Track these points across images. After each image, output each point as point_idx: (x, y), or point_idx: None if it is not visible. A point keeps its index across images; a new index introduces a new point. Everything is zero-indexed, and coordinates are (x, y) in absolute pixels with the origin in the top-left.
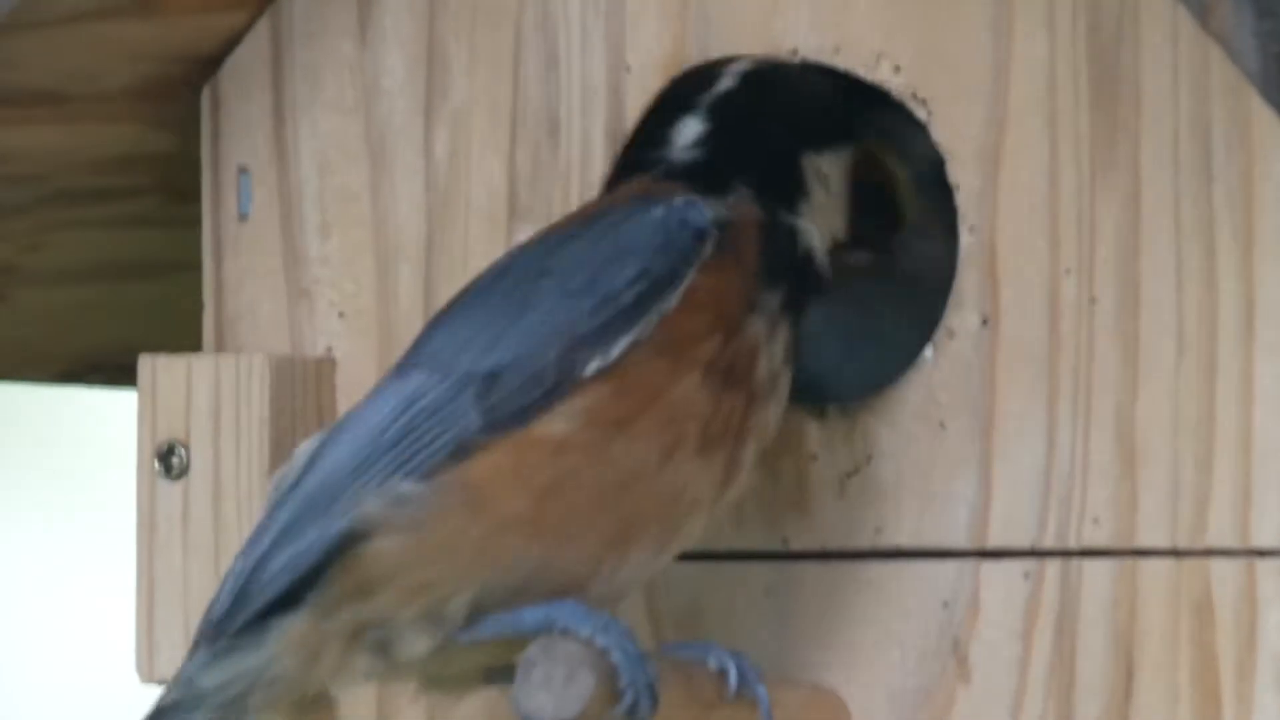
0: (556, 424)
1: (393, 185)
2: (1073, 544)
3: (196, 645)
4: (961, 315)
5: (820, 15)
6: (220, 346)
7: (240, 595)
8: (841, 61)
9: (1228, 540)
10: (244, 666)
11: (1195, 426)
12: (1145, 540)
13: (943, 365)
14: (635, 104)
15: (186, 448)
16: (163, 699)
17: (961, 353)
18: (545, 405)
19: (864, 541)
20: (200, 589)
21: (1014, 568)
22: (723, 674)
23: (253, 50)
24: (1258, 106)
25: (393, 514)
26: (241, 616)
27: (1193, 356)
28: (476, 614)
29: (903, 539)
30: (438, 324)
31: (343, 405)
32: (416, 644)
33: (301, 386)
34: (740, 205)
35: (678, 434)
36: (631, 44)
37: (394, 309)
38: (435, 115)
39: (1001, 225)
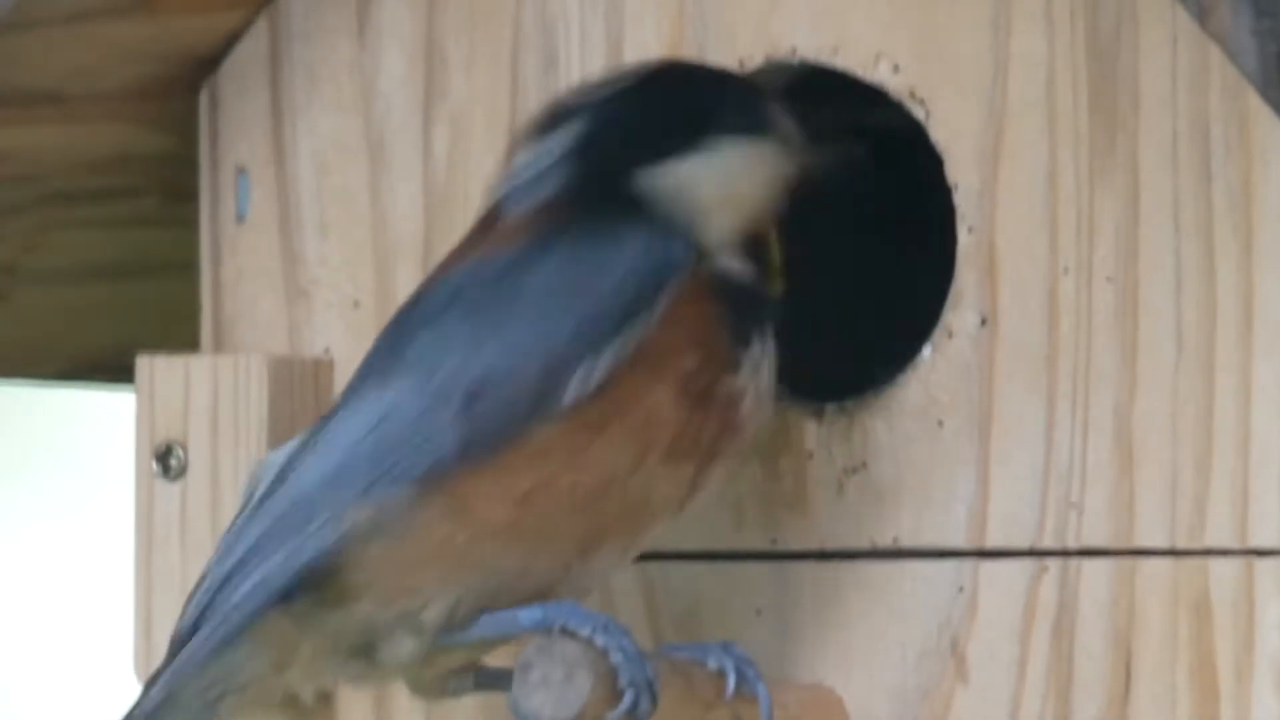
0: (537, 437)
1: (391, 185)
2: (1071, 544)
3: (170, 653)
4: (960, 315)
5: (819, 15)
6: (218, 347)
7: (206, 610)
8: (840, 61)
9: (1226, 540)
10: (219, 670)
11: (1194, 426)
12: (1143, 540)
13: (941, 365)
14: None
15: (184, 448)
16: (138, 704)
17: (960, 352)
18: (526, 422)
19: (862, 541)
20: None
21: (1012, 567)
22: (722, 674)
23: (251, 50)
24: (1256, 106)
25: (372, 524)
26: (208, 632)
27: (1191, 356)
28: (453, 618)
29: (901, 539)
30: (410, 334)
31: None
32: (399, 647)
33: (300, 386)
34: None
35: (648, 440)
36: (630, 44)
37: (392, 308)
38: (434, 115)
39: (1000, 225)
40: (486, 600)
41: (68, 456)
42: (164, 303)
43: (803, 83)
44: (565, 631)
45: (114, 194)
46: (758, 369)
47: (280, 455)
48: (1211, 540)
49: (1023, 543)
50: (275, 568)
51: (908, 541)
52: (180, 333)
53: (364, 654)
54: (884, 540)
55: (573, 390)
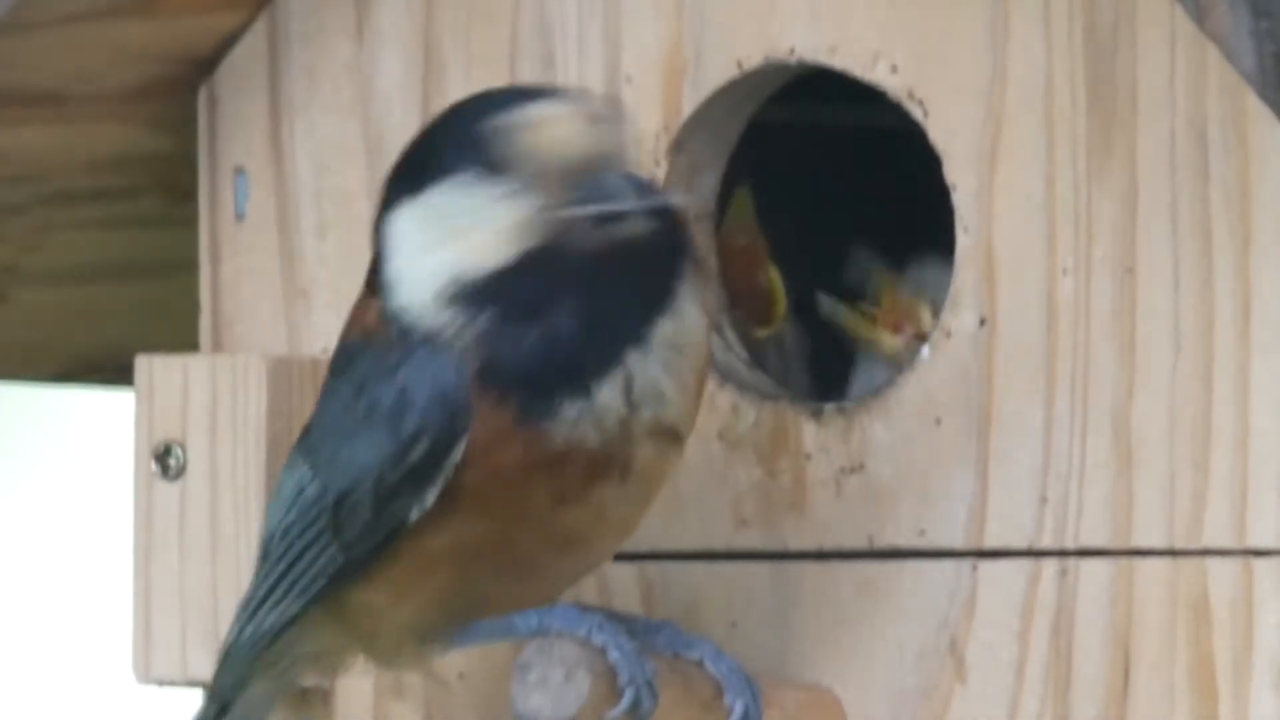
0: (417, 541)
1: None
2: (1070, 544)
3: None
4: (958, 315)
5: (817, 15)
6: (217, 347)
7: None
8: (838, 62)
9: (1224, 540)
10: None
11: (1192, 426)
12: (1142, 540)
13: (940, 365)
14: (632, 104)
15: (183, 448)
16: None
17: (958, 353)
18: (389, 549)
19: (861, 541)
20: (197, 589)
21: (1011, 567)
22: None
23: (250, 50)
24: (1254, 106)
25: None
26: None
27: (1189, 357)
28: (432, 638)
29: (900, 539)
30: (319, 403)
31: None
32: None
33: (298, 386)
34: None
35: (527, 504)
36: (628, 44)
37: None
38: (432, 115)
39: (998, 226)
40: (461, 624)
41: (67, 456)
42: (163, 303)
43: (801, 83)
44: (562, 634)
45: (113, 194)
46: (582, 417)
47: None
48: (1210, 540)
49: (1021, 543)
50: (247, 636)
51: (906, 541)
52: (179, 333)
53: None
54: (882, 540)
55: (415, 514)
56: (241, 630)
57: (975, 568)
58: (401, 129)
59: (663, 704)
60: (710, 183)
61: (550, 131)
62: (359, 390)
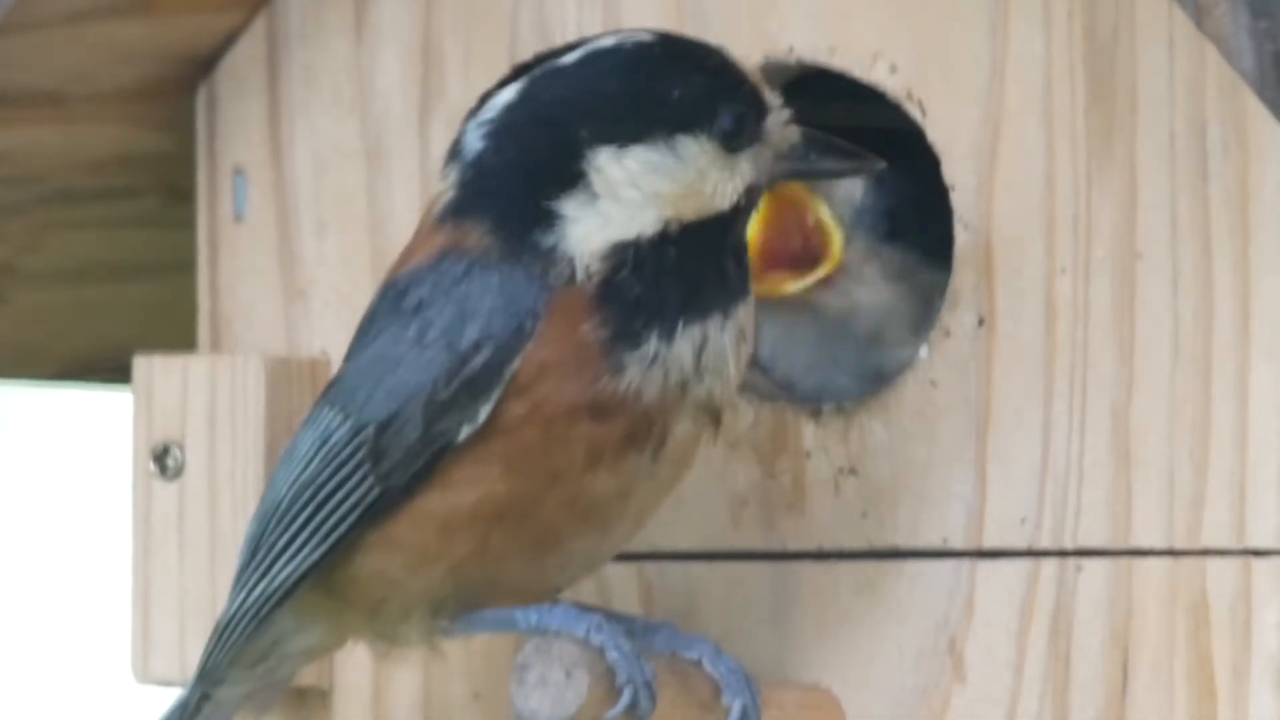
0: (442, 472)
1: (389, 185)
2: (1069, 544)
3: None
4: (957, 315)
5: (816, 14)
6: (216, 347)
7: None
8: (837, 61)
9: (1223, 540)
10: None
11: (1191, 426)
12: (1141, 540)
13: (938, 365)
14: None
15: (182, 448)
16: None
17: (957, 352)
18: (429, 474)
19: (860, 541)
20: (196, 589)
21: (1010, 567)
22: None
23: (249, 50)
24: (1254, 106)
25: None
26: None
27: (1189, 356)
28: (438, 616)
29: (899, 539)
30: (349, 353)
31: None
32: (401, 636)
33: (297, 386)
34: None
35: (562, 461)
36: None
37: None
38: (432, 114)
39: (997, 225)
40: (469, 603)
41: (66, 456)
42: (162, 303)
43: (800, 82)
44: (560, 634)
45: (112, 194)
46: (658, 361)
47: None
48: (1209, 540)
49: (1020, 543)
50: (256, 594)
51: (905, 541)
52: (178, 333)
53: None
54: (881, 540)
55: (464, 432)
56: (248, 594)
57: (974, 568)
58: (401, 129)
59: (661, 704)
60: None
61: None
62: (411, 317)
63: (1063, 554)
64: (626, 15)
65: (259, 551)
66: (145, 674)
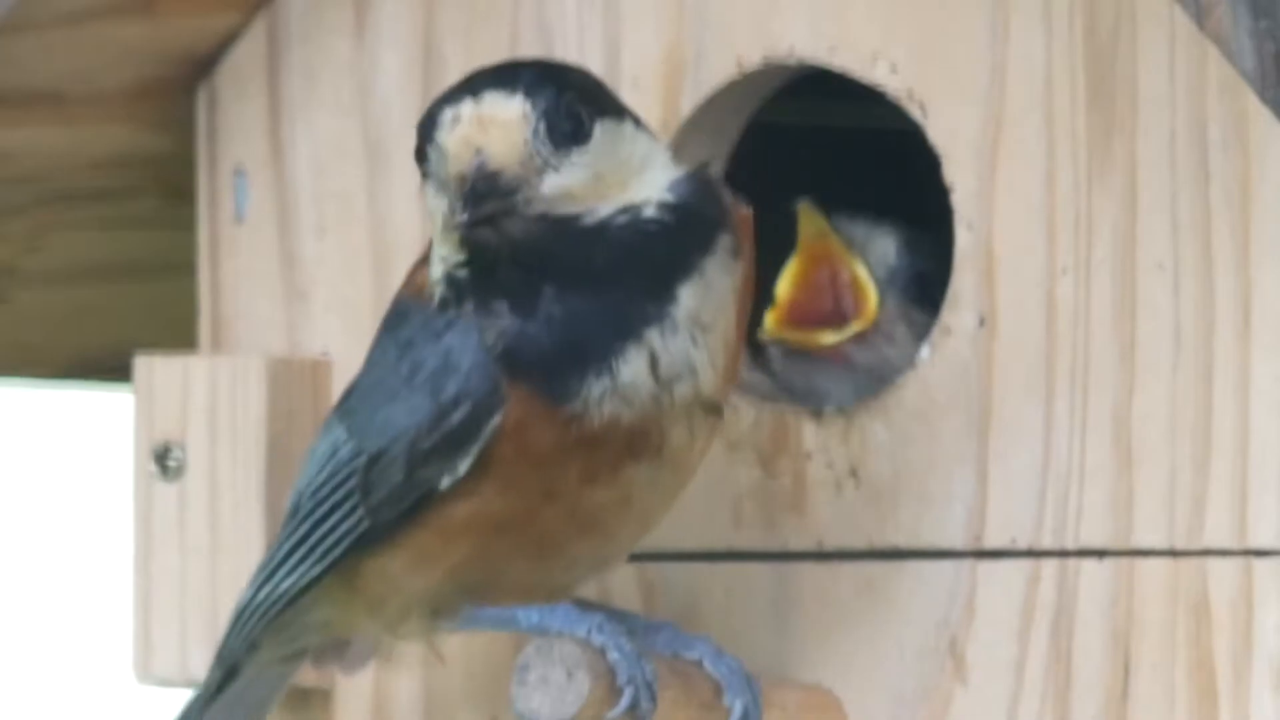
0: (442, 507)
1: (389, 185)
2: (1070, 544)
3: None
4: (958, 315)
5: (817, 15)
6: (217, 347)
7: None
8: (838, 61)
9: (1225, 540)
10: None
11: (1192, 427)
12: (1142, 540)
13: (939, 365)
14: (631, 104)
15: (183, 448)
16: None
17: (958, 352)
18: (413, 517)
19: (861, 542)
20: (197, 589)
21: (1011, 567)
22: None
23: (249, 50)
24: (1254, 106)
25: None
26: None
27: (1190, 356)
28: (440, 614)
29: (900, 539)
30: (364, 364)
31: None
32: (403, 626)
33: (298, 387)
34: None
35: (557, 480)
36: (628, 44)
37: None
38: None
39: (998, 225)
40: (470, 602)
41: (66, 456)
42: (162, 303)
43: (800, 83)
44: (561, 634)
45: (113, 194)
46: (614, 395)
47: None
48: (1210, 541)
49: (1021, 543)
50: (262, 597)
51: (906, 542)
52: (179, 333)
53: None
54: (882, 540)
55: (445, 482)
56: (257, 591)
57: (975, 568)
58: (401, 129)
59: (662, 704)
60: None
61: (450, 138)
62: (404, 350)
63: (1064, 554)
64: (627, 15)
65: (278, 546)
66: (146, 674)
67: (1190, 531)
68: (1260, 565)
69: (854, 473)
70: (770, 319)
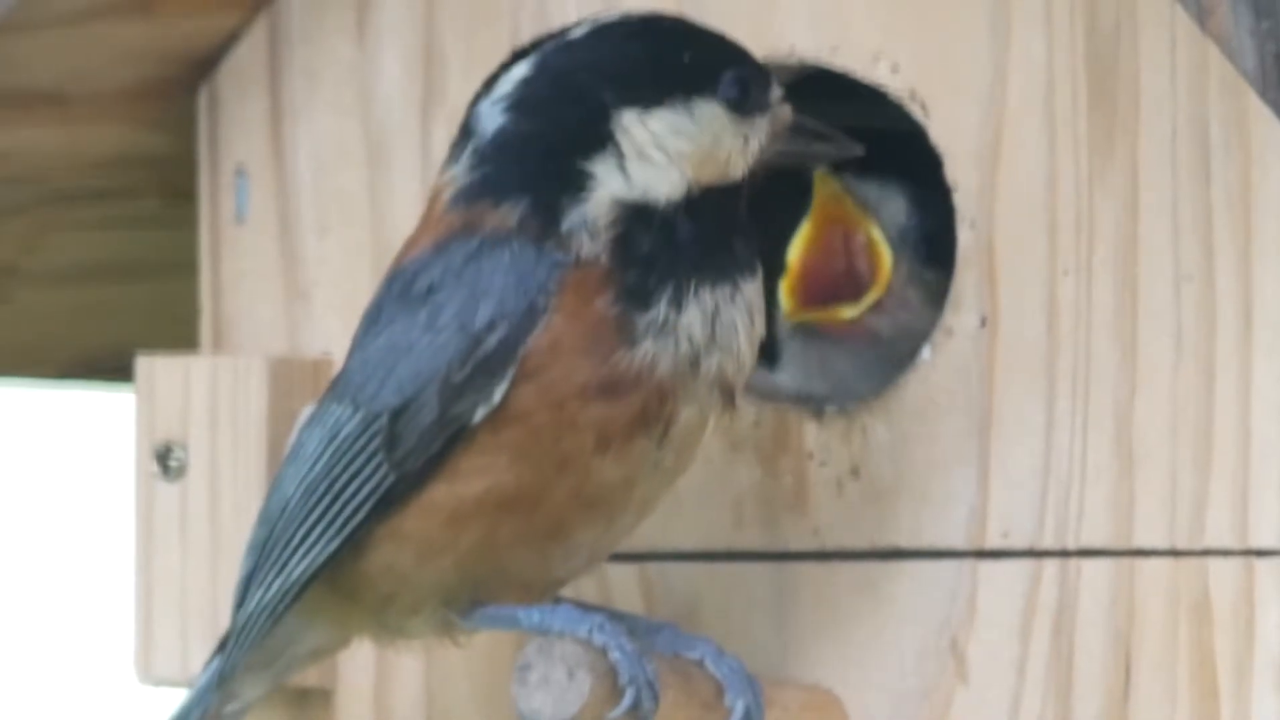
0: (453, 461)
1: (390, 185)
2: (1071, 544)
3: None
4: (960, 315)
5: (818, 14)
6: (218, 347)
7: (240, 607)
8: (839, 61)
9: (1226, 540)
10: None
11: (1193, 427)
12: (1143, 540)
13: (941, 365)
14: None
15: (184, 448)
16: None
17: (960, 353)
18: (445, 455)
19: (862, 542)
20: (198, 589)
21: (1012, 568)
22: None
23: (250, 51)
24: (1255, 106)
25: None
26: (233, 646)
27: (1191, 357)
28: (449, 607)
29: (901, 539)
30: (353, 346)
31: None
32: (408, 625)
33: (299, 387)
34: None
35: (572, 446)
36: None
37: None
38: (433, 115)
39: (1000, 225)
40: (477, 596)
41: (67, 456)
42: (164, 303)
43: (801, 83)
44: (563, 634)
45: (114, 194)
46: (669, 329)
47: (308, 411)
48: (1211, 541)
49: (1022, 543)
50: (274, 591)
51: (907, 542)
52: (180, 333)
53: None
54: (884, 540)
55: (480, 414)
56: (268, 589)
57: (976, 568)
58: (401, 129)
59: (664, 704)
60: None
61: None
62: (420, 303)
63: (1065, 554)
64: None
65: (273, 551)
66: (147, 674)
67: (1191, 531)
68: (1261, 565)
69: (855, 472)
70: (785, 290)
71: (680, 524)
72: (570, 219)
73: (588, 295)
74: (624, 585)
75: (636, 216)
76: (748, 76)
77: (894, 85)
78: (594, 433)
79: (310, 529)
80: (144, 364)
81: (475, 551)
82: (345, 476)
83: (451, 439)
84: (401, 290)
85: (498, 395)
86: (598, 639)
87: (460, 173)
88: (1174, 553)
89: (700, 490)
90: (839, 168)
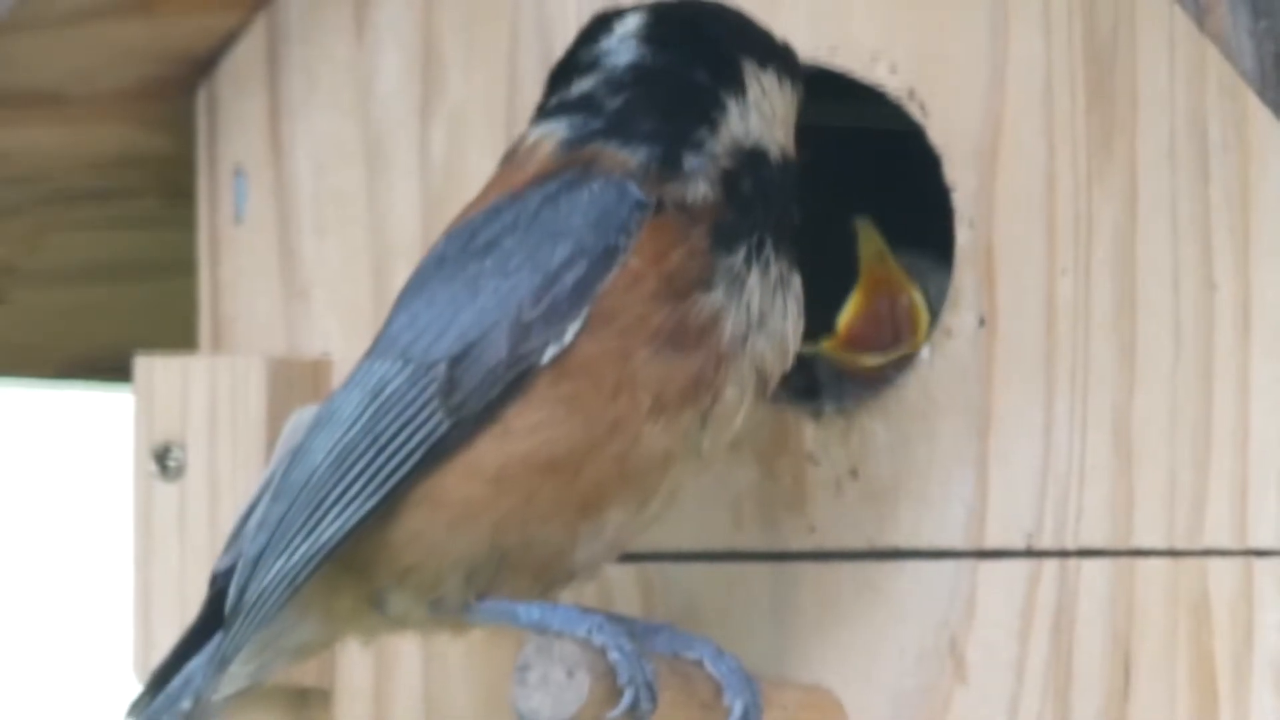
0: (506, 414)
1: (389, 185)
2: (1070, 544)
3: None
4: (958, 315)
5: (818, 15)
6: (217, 347)
7: (244, 590)
8: (839, 61)
9: (1224, 540)
10: (268, 635)
11: (1192, 426)
12: (1142, 540)
13: (939, 365)
14: None
15: (183, 448)
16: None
17: (958, 353)
18: (506, 398)
19: (861, 542)
20: (196, 589)
21: (1011, 567)
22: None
23: (249, 50)
24: (1254, 106)
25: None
26: (241, 624)
27: (1190, 356)
28: (470, 588)
29: (900, 539)
30: (396, 308)
31: None
32: (409, 614)
33: (298, 387)
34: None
35: (627, 405)
36: None
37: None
38: (431, 115)
39: (998, 225)
40: (502, 572)
41: (66, 456)
42: (162, 303)
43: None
44: (561, 634)
45: (112, 195)
46: (740, 285)
47: (309, 414)
48: (1210, 540)
49: (1021, 543)
50: (298, 557)
51: (906, 542)
52: (179, 333)
53: (380, 607)
54: (882, 540)
55: (550, 353)
56: (291, 555)
57: (975, 568)
58: (401, 129)
59: (663, 704)
60: None
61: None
62: (484, 254)
63: (1064, 554)
64: None
65: (296, 521)
66: (146, 674)
67: (1190, 531)
68: (1260, 565)
69: (854, 473)
70: (827, 348)
71: (679, 524)
72: (694, 160)
73: (674, 238)
74: (623, 585)
75: (748, 162)
76: (784, 61)
77: (893, 85)
78: (651, 393)
79: (344, 491)
80: (143, 364)
81: (510, 519)
82: (392, 429)
83: (511, 385)
84: (461, 247)
85: (569, 334)
86: (597, 639)
87: (573, 120)
88: (1173, 553)
89: (699, 490)
90: (882, 223)
